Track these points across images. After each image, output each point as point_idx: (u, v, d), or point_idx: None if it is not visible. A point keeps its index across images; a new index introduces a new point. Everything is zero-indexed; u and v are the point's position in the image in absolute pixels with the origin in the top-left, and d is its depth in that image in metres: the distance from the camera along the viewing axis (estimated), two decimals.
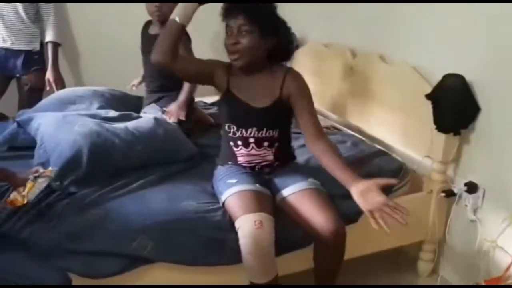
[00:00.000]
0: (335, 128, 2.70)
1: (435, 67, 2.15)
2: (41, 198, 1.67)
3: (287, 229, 1.77)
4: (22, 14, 2.68)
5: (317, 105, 2.85)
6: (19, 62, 2.74)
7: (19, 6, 2.67)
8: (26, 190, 1.55)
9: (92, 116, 2.09)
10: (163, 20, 2.33)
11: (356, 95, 2.61)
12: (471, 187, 2.03)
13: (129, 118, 2.17)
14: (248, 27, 1.67)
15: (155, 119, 2.13)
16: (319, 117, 2.56)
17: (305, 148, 1.90)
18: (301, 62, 3.12)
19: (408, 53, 2.32)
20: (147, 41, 2.44)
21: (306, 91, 1.83)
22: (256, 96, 1.80)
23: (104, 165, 1.88)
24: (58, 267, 1.48)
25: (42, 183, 1.62)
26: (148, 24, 2.58)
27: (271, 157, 1.87)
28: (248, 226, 1.63)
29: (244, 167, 1.87)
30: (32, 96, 2.72)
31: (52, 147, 1.91)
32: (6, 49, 2.72)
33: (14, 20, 2.68)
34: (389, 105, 2.36)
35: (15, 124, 2.21)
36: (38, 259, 1.46)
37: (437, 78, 2.07)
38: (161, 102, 2.43)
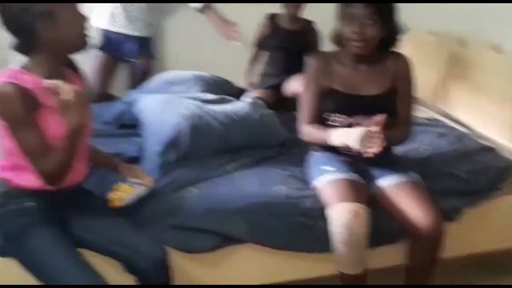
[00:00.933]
0: (437, 120, 2.55)
1: None
2: None
3: (381, 221, 1.72)
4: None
5: (419, 94, 2.75)
6: (135, 47, 2.89)
7: None
8: (122, 193, 1.58)
9: (194, 98, 2.17)
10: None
11: (462, 87, 2.45)
12: None
13: (228, 102, 2.23)
14: (377, 16, 1.64)
15: (252, 103, 2.15)
16: (421, 108, 2.46)
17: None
18: (403, 50, 3.00)
19: None
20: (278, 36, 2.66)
21: (413, 77, 1.81)
22: (365, 84, 1.78)
23: (203, 147, 1.94)
24: (155, 239, 1.56)
25: (140, 190, 1.63)
26: (274, 16, 2.71)
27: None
28: (343, 215, 1.61)
29: (341, 154, 1.84)
30: (143, 79, 2.83)
31: (155, 128, 2.01)
32: (123, 34, 2.86)
33: (135, 7, 2.82)
34: (499, 98, 2.18)
35: (122, 104, 2.36)
36: (137, 231, 1.55)
37: None
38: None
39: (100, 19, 2.82)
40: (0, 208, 1.43)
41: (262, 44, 2.84)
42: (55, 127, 1.37)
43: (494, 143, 2.19)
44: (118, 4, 2.78)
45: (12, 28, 1.35)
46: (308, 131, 1.84)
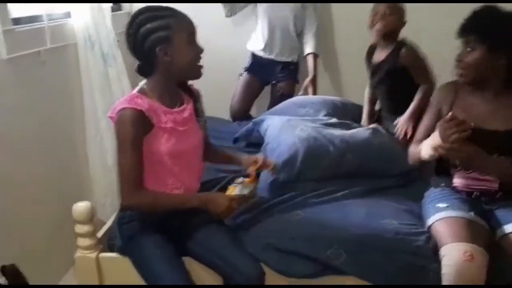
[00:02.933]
0: None
1: None
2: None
3: (505, 272, 1.52)
4: (291, 28, 2.96)
5: None
6: (277, 70, 3.05)
7: (290, 20, 2.94)
8: (228, 192, 1.63)
9: (313, 121, 2.19)
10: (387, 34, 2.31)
11: None
12: None
13: (348, 127, 2.20)
14: (477, 44, 1.58)
15: (374, 129, 2.09)
16: None
17: None
18: None
19: None
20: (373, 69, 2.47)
21: None
22: (492, 118, 1.63)
23: (316, 169, 1.95)
24: (255, 256, 1.61)
25: (244, 190, 1.65)
26: (372, 49, 2.50)
27: (495, 185, 1.64)
28: (455, 255, 1.47)
29: (459, 191, 1.68)
30: (282, 101, 2.89)
31: (273, 147, 2.08)
32: (268, 59, 3.04)
33: (282, 33, 2.98)
34: None
35: (251, 123, 2.48)
36: (239, 247, 1.61)
37: None
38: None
39: (254, 44, 3.07)
40: (120, 212, 1.63)
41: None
42: (165, 144, 1.52)
43: None
44: (267, 33, 2.98)
45: (136, 52, 1.51)
46: (411, 151, 1.77)
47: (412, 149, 1.77)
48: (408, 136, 2.20)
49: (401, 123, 2.29)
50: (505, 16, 1.58)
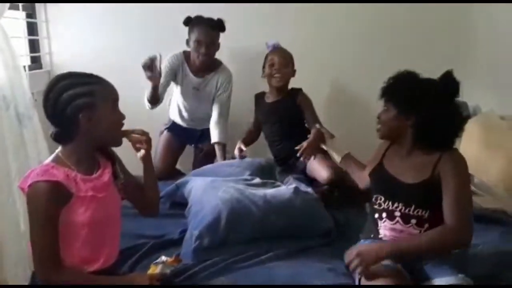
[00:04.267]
0: (506, 213, 2.32)
1: None
2: None
3: None
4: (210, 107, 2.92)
5: (487, 180, 2.55)
6: (196, 135, 3.06)
7: (209, 103, 2.91)
8: (149, 271, 1.57)
9: (237, 181, 2.19)
10: (284, 84, 2.74)
11: None
12: None
13: (271, 186, 2.22)
14: (387, 104, 1.78)
15: (295, 189, 2.12)
16: (489, 198, 2.26)
17: None
18: (470, 133, 2.84)
19: None
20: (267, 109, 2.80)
21: (461, 174, 1.67)
22: (406, 171, 1.74)
23: (240, 232, 1.93)
24: None
25: (165, 269, 1.59)
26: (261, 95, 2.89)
27: None
28: None
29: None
30: (206, 160, 2.92)
31: (197, 210, 2.05)
32: (187, 127, 3.05)
33: (202, 112, 2.96)
34: None
35: (174, 185, 2.42)
36: None
37: None
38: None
39: (172, 113, 3.06)
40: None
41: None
42: (83, 214, 1.43)
43: None
44: (184, 108, 2.97)
45: (56, 118, 1.44)
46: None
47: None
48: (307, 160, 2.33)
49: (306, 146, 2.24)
50: (418, 83, 1.72)
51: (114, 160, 1.62)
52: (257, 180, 2.27)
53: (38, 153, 2.34)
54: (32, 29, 3.03)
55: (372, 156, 1.94)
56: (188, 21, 2.77)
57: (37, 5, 3.04)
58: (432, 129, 1.69)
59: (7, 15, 2.30)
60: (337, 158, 2.11)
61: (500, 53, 2.81)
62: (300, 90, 2.79)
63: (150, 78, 2.49)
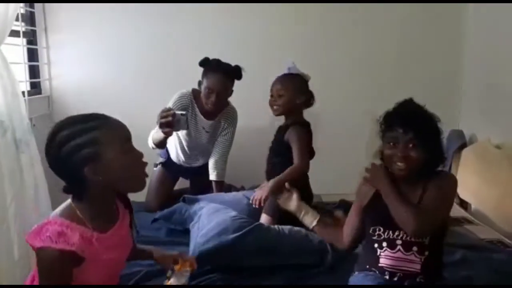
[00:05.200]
0: (502, 243, 2.31)
1: None
2: None
3: None
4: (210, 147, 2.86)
5: (484, 211, 2.54)
6: (191, 171, 2.95)
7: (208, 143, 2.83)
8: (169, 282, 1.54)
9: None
10: (278, 114, 2.42)
11: None
12: None
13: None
14: (418, 141, 1.65)
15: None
16: (485, 227, 2.24)
17: (458, 266, 1.73)
18: (466, 162, 2.86)
19: None
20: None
21: (445, 193, 1.69)
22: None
23: (244, 246, 1.97)
24: None
25: (181, 279, 1.55)
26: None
27: (417, 267, 1.68)
28: None
29: (384, 272, 1.71)
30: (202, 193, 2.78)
31: (204, 224, 2.08)
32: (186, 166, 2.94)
33: (200, 152, 2.88)
34: None
35: (180, 202, 2.41)
36: None
37: None
38: None
39: (169, 148, 2.92)
40: None
41: None
42: (96, 275, 1.34)
43: None
44: (186, 147, 2.85)
45: (61, 174, 1.30)
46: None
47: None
48: (258, 205, 2.25)
49: (258, 192, 2.27)
50: (429, 115, 1.70)
51: (131, 208, 1.50)
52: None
53: (34, 178, 2.34)
54: (32, 54, 3.06)
55: (361, 195, 1.83)
56: (204, 63, 2.61)
57: (38, 31, 3.08)
58: (438, 159, 1.72)
59: (9, 41, 2.33)
60: (309, 224, 2.04)
61: (496, 82, 2.84)
62: (292, 125, 2.38)
63: (166, 133, 2.28)
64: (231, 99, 2.78)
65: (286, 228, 2.10)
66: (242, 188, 2.90)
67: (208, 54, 2.63)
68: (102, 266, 1.35)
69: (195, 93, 2.72)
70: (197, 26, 3.13)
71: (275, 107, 2.39)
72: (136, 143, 1.36)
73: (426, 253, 1.67)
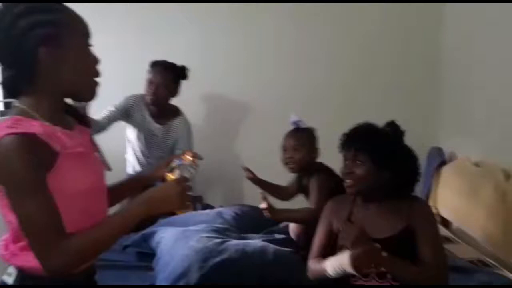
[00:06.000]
0: (483, 263, 2.27)
1: None
2: None
3: None
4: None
5: (465, 229, 2.51)
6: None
7: (166, 150, 2.80)
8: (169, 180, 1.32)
9: (210, 231, 2.12)
10: (298, 169, 2.24)
11: (509, 225, 2.19)
12: None
13: (245, 236, 2.16)
14: (362, 157, 1.67)
15: (268, 240, 2.06)
16: (465, 246, 2.20)
17: None
18: (446, 179, 2.84)
19: None
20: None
21: (431, 221, 1.68)
22: (377, 226, 1.68)
23: (214, 282, 1.85)
24: None
25: (185, 172, 1.34)
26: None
27: None
28: None
29: None
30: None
31: (166, 261, 1.96)
32: None
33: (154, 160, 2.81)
34: None
35: (140, 236, 2.30)
36: None
37: None
38: None
39: (129, 168, 2.93)
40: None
41: None
42: (76, 178, 1.11)
43: None
44: (139, 154, 2.86)
45: (7, 54, 1.10)
46: (311, 267, 1.75)
47: (313, 265, 1.75)
48: None
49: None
50: (385, 133, 1.70)
51: (90, 126, 1.30)
52: (231, 230, 2.21)
53: None
54: None
55: (324, 225, 1.79)
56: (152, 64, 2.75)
57: None
58: (407, 179, 1.69)
59: None
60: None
61: (474, 99, 2.84)
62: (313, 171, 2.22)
63: None
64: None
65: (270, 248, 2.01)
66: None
67: None
68: (82, 168, 1.13)
69: (146, 97, 2.76)
70: None
71: (289, 164, 2.23)
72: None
73: None
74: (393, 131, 1.72)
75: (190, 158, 1.40)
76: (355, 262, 1.51)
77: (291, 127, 2.25)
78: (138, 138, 2.82)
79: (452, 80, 3.14)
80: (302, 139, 2.23)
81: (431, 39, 3.24)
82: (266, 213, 2.03)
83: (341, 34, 3.24)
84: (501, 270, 2.18)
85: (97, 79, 1.18)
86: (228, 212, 2.46)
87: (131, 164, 2.92)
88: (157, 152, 2.82)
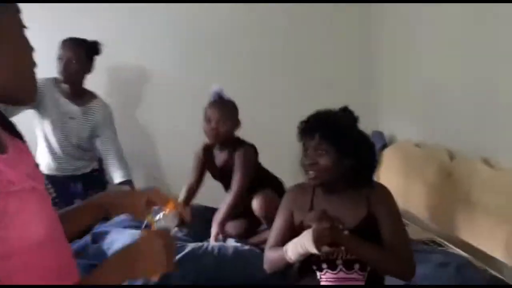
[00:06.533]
0: (435, 242, 2.32)
1: None
2: None
3: None
4: (85, 145, 2.67)
5: (413, 211, 2.56)
6: (79, 187, 2.69)
7: (84, 139, 2.64)
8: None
9: None
10: (221, 141, 2.26)
11: (457, 203, 2.25)
12: None
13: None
14: (325, 147, 1.57)
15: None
16: (415, 227, 2.23)
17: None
18: (389, 162, 2.88)
19: None
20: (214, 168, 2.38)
21: (393, 209, 1.64)
22: (341, 215, 1.61)
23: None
24: None
25: (170, 223, 1.08)
26: (208, 147, 2.41)
27: (361, 283, 1.58)
28: None
29: None
30: None
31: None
32: (64, 176, 2.66)
33: (75, 150, 2.66)
34: (501, 218, 1.97)
35: (88, 238, 2.11)
36: None
37: None
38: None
39: (42, 166, 2.61)
40: None
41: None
42: (30, 224, 0.79)
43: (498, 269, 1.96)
44: (54, 144, 2.63)
45: None
46: (268, 255, 1.66)
47: (271, 254, 1.66)
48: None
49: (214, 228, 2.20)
50: (345, 120, 1.63)
51: (23, 138, 0.94)
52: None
53: None
54: None
55: (284, 215, 1.70)
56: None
57: None
58: (367, 167, 1.65)
59: None
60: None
61: (411, 81, 2.89)
62: (242, 144, 2.31)
63: None
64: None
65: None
66: None
67: None
68: (36, 210, 0.82)
69: (58, 79, 2.57)
70: None
71: (213, 135, 2.26)
72: None
73: (369, 268, 1.58)
74: (348, 117, 1.67)
75: (173, 209, 1.11)
76: (317, 236, 1.45)
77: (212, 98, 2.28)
78: (53, 126, 2.58)
79: (388, 63, 3.18)
80: (227, 111, 2.26)
81: (364, 23, 3.25)
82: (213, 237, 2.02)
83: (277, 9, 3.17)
84: (453, 248, 2.23)
85: (34, 74, 0.89)
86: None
87: (45, 162, 2.64)
88: (76, 139, 2.62)
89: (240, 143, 2.31)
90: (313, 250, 1.46)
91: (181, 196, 2.42)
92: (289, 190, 1.77)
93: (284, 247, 1.58)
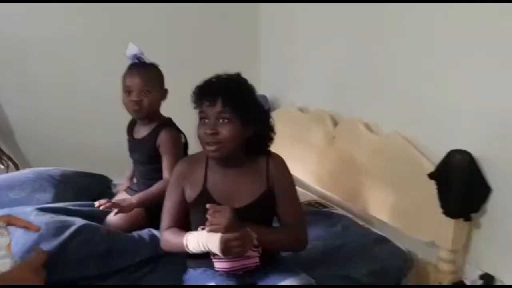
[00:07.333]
0: (319, 204, 2.40)
1: (434, 141, 1.91)
2: None
3: None
4: None
5: (297, 175, 2.60)
6: None
7: None
8: None
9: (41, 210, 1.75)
10: (143, 117, 1.94)
11: (342, 167, 2.34)
12: (488, 280, 1.76)
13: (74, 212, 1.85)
14: (229, 114, 1.44)
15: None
16: (300, 189, 2.28)
17: None
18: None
19: (399, 123, 2.09)
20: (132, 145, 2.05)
21: (290, 183, 1.62)
22: (236, 194, 1.54)
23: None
24: None
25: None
26: (132, 124, 2.08)
27: (256, 260, 1.54)
28: None
29: (222, 274, 1.53)
30: None
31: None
32: None
33: None
34: (381, 180, 2.09)
35: None
36: None
37: (436, 153, 1.84)
38: None
39: None
40: None
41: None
42: None
43: (383, 229, 2.09)
44: None
45: None
46: (166, 239, 1.56)
47: (169, 237, 1.55)
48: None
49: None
50: (246, 86, 1.52)
51: None
52: (58, 204, 1.88)
53: None
54: None
55: (175, 192, 1.58)
56: None
57: None
58: (267, 136, 1.58)
59: None
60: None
61: (294, 46, 2.90)
62: (167, 125, 1.98)
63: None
64: None
65: None
66: None
67: None
68: None
69: None
70: None
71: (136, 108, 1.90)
72: None
73: None
74: (247, 83, 1.56)
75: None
76: (225, 249, 1.39)
77: (129, 62, 1.89)
78: None
79: (269, 25, 3.15)
80: (152, 78, 1.91)
81: None
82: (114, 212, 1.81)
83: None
84: (337, 209, 2.33)
85: None
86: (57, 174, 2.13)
87: None
88: None
89: (164, 121, 1.99)
90: (218, 254, 1.41)
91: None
92: (179, 164, 1.63)
93: (185, 240, 1.48)
